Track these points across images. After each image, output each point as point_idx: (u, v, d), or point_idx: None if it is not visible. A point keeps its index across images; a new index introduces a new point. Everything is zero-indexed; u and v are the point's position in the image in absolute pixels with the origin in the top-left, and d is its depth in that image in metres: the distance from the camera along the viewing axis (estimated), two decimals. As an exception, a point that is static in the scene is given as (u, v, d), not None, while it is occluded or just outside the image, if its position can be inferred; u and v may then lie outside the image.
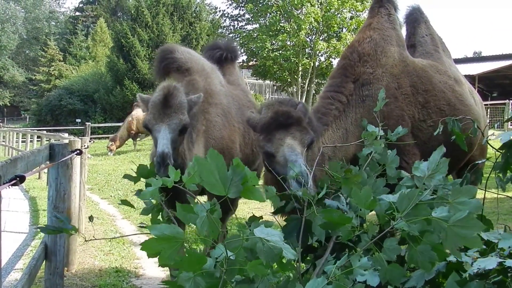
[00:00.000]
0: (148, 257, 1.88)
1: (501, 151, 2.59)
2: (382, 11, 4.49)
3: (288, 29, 28.40)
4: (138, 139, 22.85)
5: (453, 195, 2.06)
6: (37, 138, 21.22)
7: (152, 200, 2.58)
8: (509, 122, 22.46)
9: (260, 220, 2.32)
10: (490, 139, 3.11)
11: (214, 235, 1.93)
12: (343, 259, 2.04)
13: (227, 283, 1.93)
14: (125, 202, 2.56)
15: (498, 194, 2.85)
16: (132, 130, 21.15)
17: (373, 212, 2.29)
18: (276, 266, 2.05)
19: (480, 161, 3.60)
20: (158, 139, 3.42)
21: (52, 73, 48.46)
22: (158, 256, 1.87)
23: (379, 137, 3.14)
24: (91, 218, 2.54)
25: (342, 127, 3.88)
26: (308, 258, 2.55)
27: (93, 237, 2.60)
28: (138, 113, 21.33)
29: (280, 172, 2.98)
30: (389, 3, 4.57)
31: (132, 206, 2.58)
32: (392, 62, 4.19)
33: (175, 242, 1.83)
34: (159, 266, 1.94)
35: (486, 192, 2.89)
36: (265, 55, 29.05)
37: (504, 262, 1.82)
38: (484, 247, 2.14)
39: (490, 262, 1.84)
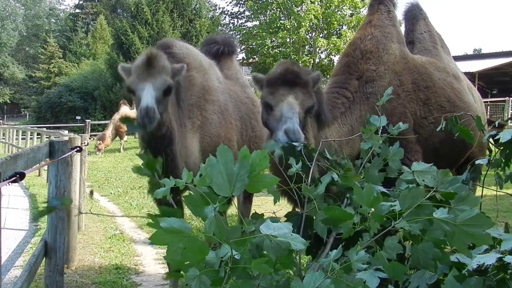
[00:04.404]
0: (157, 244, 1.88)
1: (499, 147, 2.60)
2: (381, 8, 4.49)
3: (288, 26, 28.39)
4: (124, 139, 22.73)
5: (456, 202, 2.07)
6: (37, 135, 21.25)
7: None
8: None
9: (267, 217, 2.30)
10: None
11: (221, 236, 1.92)
12: (337, 252, 2.04)
13: (229, 278, 1.93)
14: (137, 170, 2.51)
15: (497, 191, 2.85)
16: (121, 128, 21.08)
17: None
18: (278, 264, 2.04)
19: (480, 158, 3.60)
20: (142, 96, 3.38)
21: (52, 70, 48.39)
22: (166, 250, 1.88)
23: (380, 130, 3.14)
24: (91, 193, 2.53)
25: (347, 123, 3.90)
26: (312, 254, 2.54)
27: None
28: (126, 111, 21.28)
29: (273, 127, 3.11)
30: (389, 0, 4.57)
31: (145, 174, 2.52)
32: (393, 59, 4.19)
33: (183, 236, 1.84)
34: (167, 260, 1.95)
35: (485, 189, 2.89)
36: (265, 52, 29.06)
37: (504, 257, 1.82)
38: (486, 247, 2.14)
39: (490, 258, 1.84)
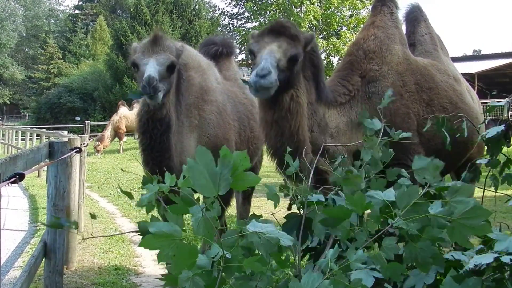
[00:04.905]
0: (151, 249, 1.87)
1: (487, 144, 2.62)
2: (384, 10, 4.48)
3: (288, 27, 28.39)
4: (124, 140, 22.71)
5: (450, 194, 2.07)
6: (36, 136, 21.25)
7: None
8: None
9: (264, 218, 2.30)
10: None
11: (210, 236, 1.91)
12: (334, 251, 2.03)
13: (226, 281, 1.93)
14: (125, 193, 2.54)
15: (496, 192, 2.86)
16: (120, 129, 21.05)
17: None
18: (274, 263, 2.04)
19: (480, 158, 3.60)
20: (145, 68, 3.52)
21: (52, 71, 48.41)
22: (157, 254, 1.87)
23: (381, 133, 3.13)
24: (93, 216, 2.52)
25: (346, 115, 3.90)
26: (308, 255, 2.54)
27: (91, 235, 2.60)
28: (125, 112, 21.27)
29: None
30: (391, 2, 4.57)
31: (131, 197, 2.55)
32: (396, 60, 4.19)
33: (173, 240, 1.83)
34: (158, 263, 1.94)
35: (485, 190, 2.90)
36: (264, 53, 29.06)
37: (500, 257, 1.82)
38: (482, 246, 2.14)
39: (487, 258, 1.85)
